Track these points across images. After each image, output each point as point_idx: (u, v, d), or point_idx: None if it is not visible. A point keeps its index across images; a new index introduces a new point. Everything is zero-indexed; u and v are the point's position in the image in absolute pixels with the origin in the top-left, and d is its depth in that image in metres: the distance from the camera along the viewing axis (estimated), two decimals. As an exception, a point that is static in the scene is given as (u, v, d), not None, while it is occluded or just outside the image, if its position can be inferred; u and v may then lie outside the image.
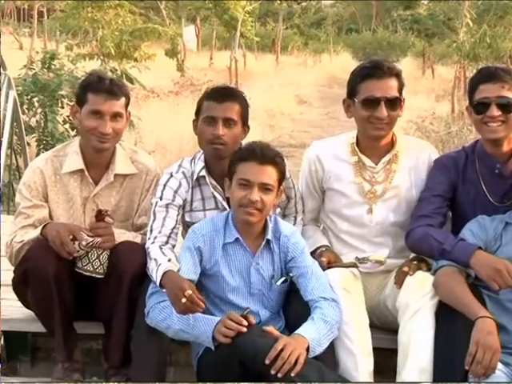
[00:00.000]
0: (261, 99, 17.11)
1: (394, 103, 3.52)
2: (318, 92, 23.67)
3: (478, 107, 3.49)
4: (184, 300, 3.07)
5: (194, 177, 3.63)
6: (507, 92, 3.43)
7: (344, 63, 32.50)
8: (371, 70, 3.52)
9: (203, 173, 3.62)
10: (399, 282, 3.47)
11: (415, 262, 3.53)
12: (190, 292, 3.07)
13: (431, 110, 16.72)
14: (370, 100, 3.49)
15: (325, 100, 21.76)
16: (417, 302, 3.33)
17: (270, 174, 3.23)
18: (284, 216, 3.84)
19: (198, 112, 3.62)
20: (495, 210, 3.51)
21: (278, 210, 3.73)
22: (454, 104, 17.79)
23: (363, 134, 3.63)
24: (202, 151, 3.67)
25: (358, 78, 3.54)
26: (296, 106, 20.10)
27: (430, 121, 14.76)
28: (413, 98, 17.14)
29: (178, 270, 3.24)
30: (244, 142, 3.61)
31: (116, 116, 3.62)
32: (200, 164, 3.63)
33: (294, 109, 19.49)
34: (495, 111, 3.42)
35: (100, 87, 3.61)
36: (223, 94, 3.56)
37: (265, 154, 3.23)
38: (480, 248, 3.29)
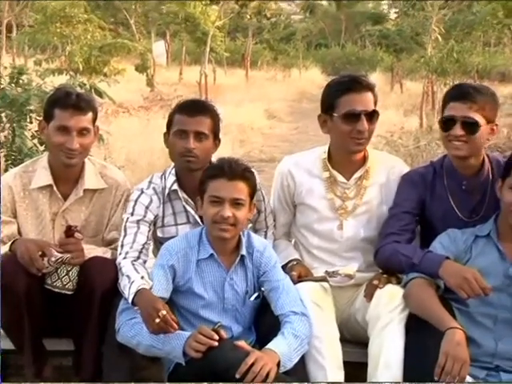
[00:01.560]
0: (231, 114, 16.98)
1: (373, 117, 3.50)
2: (287, 107, 23.67)
3: (445, 124, 3.46)
4: (158, 320, 3.05)
5: (166, 192, 3.59)
6: (474, 113, 3.38)
7: (313, 78, 32.98)
8: (351, 84, 3.48)
9: (175, 186, 3.58)
10: (369, 296, 3.44)
11: (385, 276, 3.49)
12: (164, 312, 3.06)
13: (400, 125, 16.76)
14: (351, 114, 3.44)
15: (295, 115, 21.82)
16: (387, 315, 3.30)
17: (240, 189, 3.20)
18: (255, 231, 3.78)
19: (169, 125, 3.58)
20: (464, 225, 3.49)
21: (250, 225, 3.68)
22: (423, 118, 17.92)
23: (340, 149, 3.57)
24: (172, 166, 3.64)
25: (337, 92, 3.48)
26: (266, 120, 19.88)
27: (399, 135, 14.68)
28: (382, 113, 16.39)
29: (151, 288, 3.22)
30: (215, 156, 3.57)
31: (83, 131, 3.56)
32: (171, 178, 3.59)
33: (264, 123, 19.30)
34: (459, 130, 3.38)
35: (66, 102, 3.55)
36: (195, 108, 3.52)
37: (234, 170, 3.19)
38: (448, 258, 3.26)
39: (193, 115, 3.47)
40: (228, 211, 3.15)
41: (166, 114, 3.75)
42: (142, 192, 3.56)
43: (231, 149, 13.01)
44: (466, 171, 3.49)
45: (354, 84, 3.46)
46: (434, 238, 3.46)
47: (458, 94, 3.43)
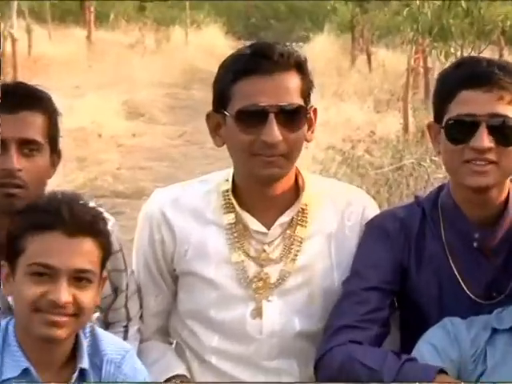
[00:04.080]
0: (62, 110, 11.68)
1: (294, 117, 2.71)
2: (164, 96, 16.33)
3: (455, 130, 2.72)
4: None
5: None
6: (506, 107, 2.68)
7: (212, 44, 23.03)
8: (254, 60, 2.70)
9: None
10: None
11: None
12: None
13: (368, 128, 11.51)
14: (249, 112, 2.69)
15: (178, 111, 15.28)
16: None
17: (87, 253, 2.58)
18: (107, 325, 3.04)
19: None
20: (475, 309, 2.83)
21: (97, 314, 3.00)
22: (408, 116, 11.58)
23: (246, 174, 2.86)
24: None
25: (231, 74, 2.73)
26: (125, 121, 13.44)
27: (366, 147, 10.24)
28: (334, 107, 12.90)
29: None
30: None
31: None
32: None
33: (123, 127, 12.99)
34: (486, 139, 2.66)
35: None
36: (15, 98, 2.83)
37: (77, 217, 2.55)
38: (443, 371, 2.63)
39: (13, 111, 2.81)
40: (65, 292, 2.54)
41: None
42: None
43: (62, 173, 8.85)
44: (481, 214, 2.80)
45: (260, 60, 2.69)
46: (422, 331, 2.80)
47: (475, 75, 2.74)
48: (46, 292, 2.52)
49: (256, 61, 2.70)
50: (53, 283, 2.53)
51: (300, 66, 2.72)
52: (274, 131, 2.67)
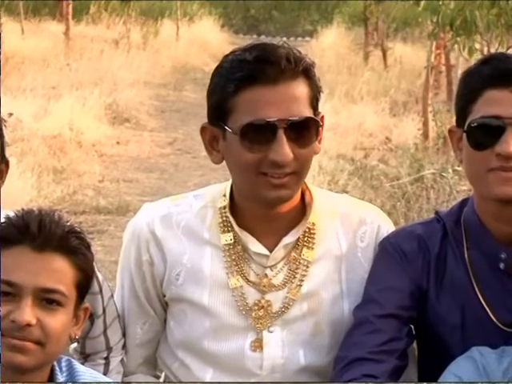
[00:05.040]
0: (35, 114, 11.16)
1: (304, 131, 2.52)
2: (153, 98, 15.17)
3: (478, 134, 2.58)
4: None
5: None
6: None
7: (205, 39, 21.39)
8: (257, 69, 2.49)
9: None
10: None
11: None
12: None
13: (382, 134, 11.16)
14: (256, 129, 2.49)
15: (168, 115, 14.29)
16: None
17: (56, 271, 2.46)
18: (86, 357, 2.86)
19: None
20: (502, 337, 2.65)
21: (74, 344, 2.84)
22: (429, 121, 10.85)
23: (249, 195, 2.66)
24: None
25: (231, 82, 2.52)
26: (108, 127, 12.39)
27: (381, 156, 9.75)
28: (344, 109, 12.06)
29: None
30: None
31: None
32: None
33: (105, 133, 12.04)
34: None
35: None
36: None
37: (46, 231, 2.45)
38: None
39: None
40: (27, 312, 2.41)
41: None
42: None
43: (36, 186, 8.59)
44: (509, 231, 2.63)
45: (264, 66, 2.48)
46: (440, 365, 2.62)
47: (503, 72, 2.58)
48: (10, 312, 2.38)
49: (260, 68, 2.49)
50: (16, 302, 2.40)
51: (308, 72, 2.51)
52: (285, 149, 2.48)
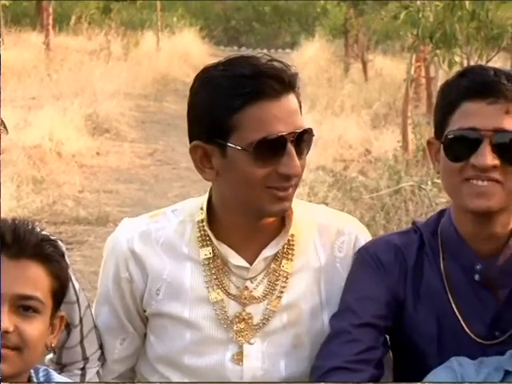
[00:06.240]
0: (15, 125, 10.68)
1: (305, 142, 2.53)
2: (133, 109, 14.92)
3: (455, 146, 2.53)
4: None
5: None
6: None
7: (186, 49, 21.38)
8: (263, 84, 2.45)
9: None
10: None
11: None
12: None
13: (362, 146, 11.10)
14: (268, 144, 2.45)
15: (148, 126, 14.18)
16: None
17: (32, 278, 2.45)
18: (62, 367, 2.79)
19: None
20: (477, 349, 2.58)
21: (50, 355, 2.76)
22: (408, 133, 10.82)
23: (247, 209, 2.60)
24: None
25: (236, 100, 2.45)
26: (88, 138, 12.26)
27: (361, 167, 9.72)
28: (324, 121, 11.99)
29: None
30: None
31: None
32: None
33: (85, 144, 11.91)
34: (489, 156, 2.47)
35: None
36: None
37: (20, 240, 2.44)
38: None
39: None
40: (5, 319, 2.41)
41: None
42: None
43: (16, 197, 8.41)
44: (485, 246, 2.58)
45: (271, 81, 2.44)
46: (416, 374, 2.61)
47: (480, 84, 2.53)
48: None
49: (266, 83, 2.46)
50: None
51: (296, 83, 2.50)
52: (295, 161, 2.46)
